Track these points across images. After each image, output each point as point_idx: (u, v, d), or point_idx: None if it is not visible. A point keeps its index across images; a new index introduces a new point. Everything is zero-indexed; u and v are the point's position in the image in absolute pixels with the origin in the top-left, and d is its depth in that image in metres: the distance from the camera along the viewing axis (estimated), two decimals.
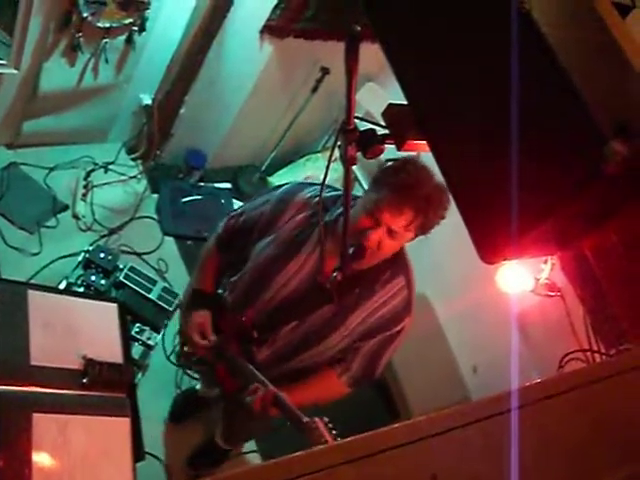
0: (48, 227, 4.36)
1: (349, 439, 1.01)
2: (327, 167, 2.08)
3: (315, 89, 5.03)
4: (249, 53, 4.62)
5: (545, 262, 3.53)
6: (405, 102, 1.38)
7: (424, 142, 1.37)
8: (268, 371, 2.65)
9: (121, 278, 4.04)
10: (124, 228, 4.62)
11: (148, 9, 4.00)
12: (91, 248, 4.10)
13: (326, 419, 2.36)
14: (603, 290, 3.12)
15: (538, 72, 1.11)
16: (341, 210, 2.35)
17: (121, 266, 4.11)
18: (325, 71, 4.89)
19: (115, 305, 3.09)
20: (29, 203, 4.36)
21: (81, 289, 3.89)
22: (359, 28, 1.48)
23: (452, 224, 1.80)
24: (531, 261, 3.48)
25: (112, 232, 4.55)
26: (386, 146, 1.77)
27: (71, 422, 2.48)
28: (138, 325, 3.92)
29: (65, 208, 4.51)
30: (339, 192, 2.53)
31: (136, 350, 3.82)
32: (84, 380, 2.65)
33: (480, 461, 1.07)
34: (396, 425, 1.06)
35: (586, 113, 1.05)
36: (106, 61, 4.21)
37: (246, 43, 4.56)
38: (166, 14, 4.23)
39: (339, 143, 1.82)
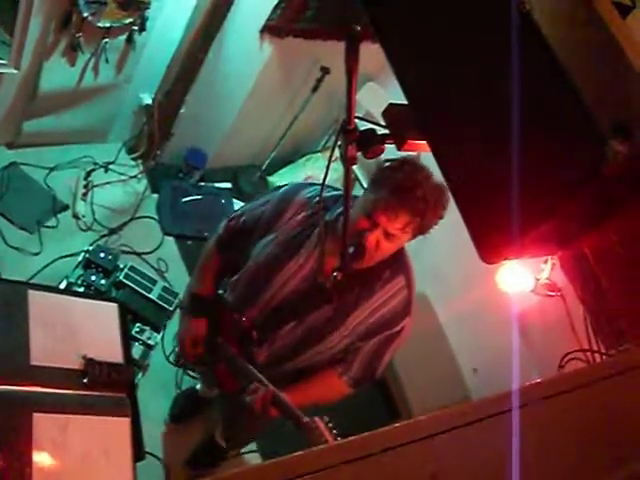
0: (48, 227, 4.36)
1: (349, 439, 1.01)
2: (327, 167, 2.08)
3: (315, 89, 5.03)
4: (249, 53, 4.62)
5: (545, 262, 3.53)
6: (405, 102, 1.38)
7: (424, 142, 1.37)
8: (268, 371, 2.66)
9: (121, 278, 4.04)
10: (124, 228, 4.62)
11: (148, 9, 4.00)
12: (91, 248, 4.10)
13: (326, 419, 2.36)
14: (603, 290, 3.12)
15: (538, 72, 1.11)
16: (341, 209, 2.35)
17: (121, 266, 4.12)
18: (325, 71, 4.89)
19: (115, 305, 3.10)
20: (29, 203, 4.36)
21: (81, 289, 3.90)
22: (359, 28, 1.48)
23: (452, 224, 1.80)
24: (531, 261, 3.48)
25: (112, 232, 4.55)
26: (386, 146, 1.77)
27: (71, 422, 2.48)
28: (138, 325, 3.92)
29: (65, 208, 4.51)
30: (339, 192, 2.53)
31: (136, 350, 3.82)
32: (84, 380, 2.66)
33: (480, 461, 1.07)
34: (397, 425, 1.06)
35: (586, 113, 1.05)
36: (106, 61, 4.22)
37: (246, 43, 4.56)
38: (166, 14, 4.24)
39: (339, 143, 1.82)
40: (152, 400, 3.73)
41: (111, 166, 4.87)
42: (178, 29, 4.48)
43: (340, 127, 1.78)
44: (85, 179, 4.62)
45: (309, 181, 4.16)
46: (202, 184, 5.31)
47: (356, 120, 1.76)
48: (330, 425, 2.34)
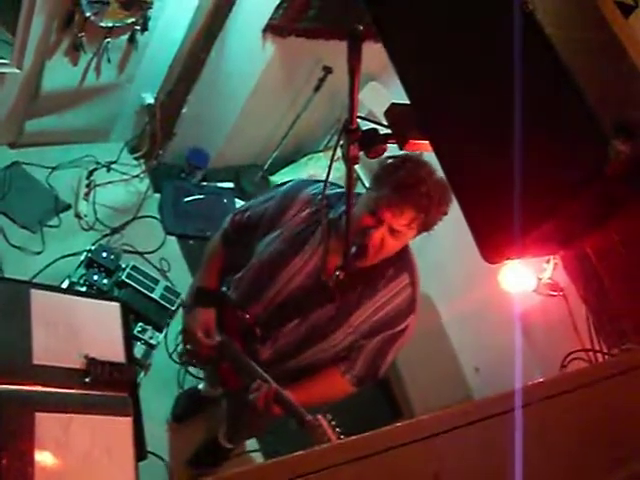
0: (50, 226, 4.36)
1: (352, 438, 1.01)
2: (329, 166, 2.08)
3: (317, 88, 5.03)
4: (251, 52, 4.63)
5: (547, 262, 3.53)
6: (408, 102, 1.38)
7: (426, 142, 1.37)
8: (272, 369, 2.66)
9: (123, 277, 4.04)
10: (126, 227, 4.63)
11: (151, 8, 4.00)
12: (93, 247, 4.10)
13: (329, 416, 2.36)
14: (605, 290, 3.12)
15: (541, 72, 1.11)
16: (345, 207, 2.35)
17: (123, 265, 4.12)
18: (328, 70, 4.89)
19: (117, 304, 3.09)
20: (31, 202, 4.37)
21: (83, 288, 3.90)
22: (362, 27, 1.48)
23: (454, 224, 1.80)
24: (533, 261, 3.48)
25: (114, 231, 4.55)
26: (388, 145, 1.77)
27: (73, 421, 2.48)
28: (140, 324, 3.92)
29: (67, 207, 4.52)
30: (343, 189, 2.53)
31: (138, 349, 3.82)
32: (86, 379, 2.65)
33: (482, 460, 1.07)
34: (399, 424, 1.06)
35: (588, 113, 1.05)
36: (108, 60, 4.22)
37: (248, 42, 4.56)
38: (169, 13, 4.24)
39: (341, 142, 1.82)
40: (154, 400, 3.73)
41: (113, 166, 4.87)
42: (180, 29, 4.48)
43: (342, 127, 1.78)
44: (87, 178, 4.62)
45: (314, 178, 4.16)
46: (204, 184, 5.31)
47: (358, 120, 1.76)
48: (333, 423, 2.34)
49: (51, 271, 4.08)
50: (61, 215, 4.45)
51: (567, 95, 1.07)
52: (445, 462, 1.04)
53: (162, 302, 4.07)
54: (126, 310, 3.12)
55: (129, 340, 3.03)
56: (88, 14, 3.76)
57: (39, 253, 4.17)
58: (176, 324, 4.07)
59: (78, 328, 2.81)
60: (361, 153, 1.81)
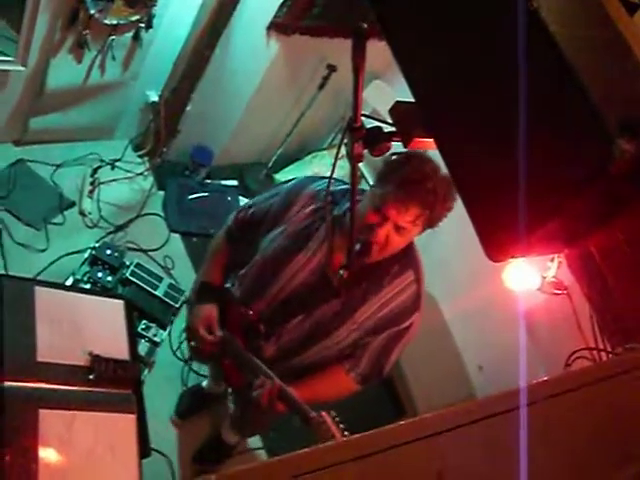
0: (55, 224, 4.36)
1: (356, 436, 1.01)
2: (334, 165, 2.08)
3: (322, 86, 5.03)
4: (256, 50, 4.62)
5: (552, 260, 3.53)
6: (412, 100, 1.38)
7: (431, 140, 1.37)
8: (276, 367, 2.65)
9: (127, 275, 4.05)
10: (130, 225, 4.63)
11: (155, 6, 4.00)
12: (97, 245, 4.11)
13: (333, 413, 2.36)
14: (609, 288, 3.12)
15: (545, 70, 1.11)
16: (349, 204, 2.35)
17: (127, 263, 4.12)
18: (332, 68, 4.88)
19: (121, 302, 3.10)
20: (36, 200, 4.37)
21: (87, 286, 3.90)
22: (366, 25, 1.48)
23: (457, 222, 1.80)
24: (538, 259, 3.47)
25: (118, 229, 4.55)
26: (392, 143, 1.77)
27: (77, 418, 2.49)
28: (144, 322, 3.93)
29: (72, 205, 4.52)
30: (348, 186, 2.52)
31: (142, 347, 3.83)
32: (90, 376, 2.66)
33: (486, 458, 1.07)
34: (403, 422, 1.06)
35: (593, 111, 1.05)
36: (113, 58, 4.22)
37: (253, 40, 4.56)
38: (173, 11, 4.24)
39: (346, 140, 1.82)
40: (158, 397, 3.73)
41: (117, 163, 4.87)
42: (185, 26, 4.48)
43: (346, 125, 1.78)
44: (91, 176, 4.62)
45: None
46: (208, 181, 5.31)
47: (363, 118, 1.76)
48: (337, 419, 2.34)
49: (55, 268, 4.08)
50: (65, 212, 4.45)
51: (571, 93, 1.06)
52: (448, 460, 1.04)
53: (166, 299, 4.08)
54: (130, 307, 3.12)
55: (133, 337, 3.03)
56: (92, 11, 3.76)
57: (43, 250, 4.18)
58: (180, 321, 4.07)
59: (82, 325, 2.81)
60: (365, 151, 1.81)
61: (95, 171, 4.65)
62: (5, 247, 4.05)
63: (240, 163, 5.62)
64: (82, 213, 4.52)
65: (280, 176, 5.49)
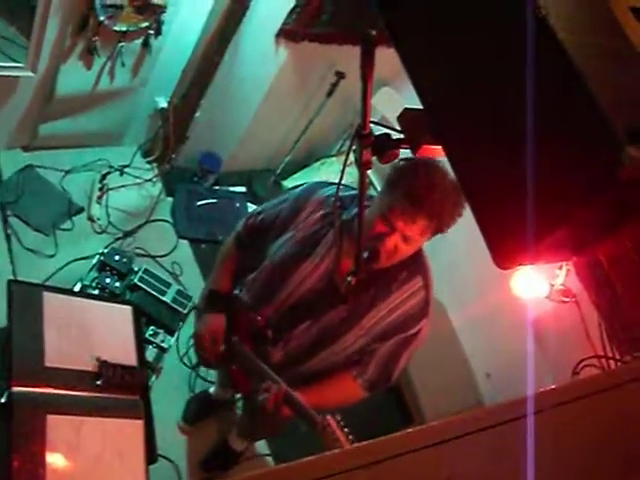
0: (63, 229, 4.37)
1: (364, 443, 1.01)
2: (342, 171, 2.08)
3: (330, 93, 5.03)
4: (265, 57, 4.63)
5: (560, 268, 3.52)
6: (420, 107, 1.38)
7: (439, 147, 1.37)
8: (284, 373, 2.65)
9: (135, 281, 4.05)
10: (139, 231, 4.64)
11: (164, 13, 4.01)
12: (106, 251, 4.11)
13: (338, 417, 2.36)
14: (618, 296, 3.11)
15: (553, 77, 1.11)
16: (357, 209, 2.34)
17: (136, 269, 4.13)
18: (340, 75, 4.89)
19: (129, 308, 3.11)
20: (45, 205, 4.38)
21: (96, 291, 3.91)
22: (375, 32, 1.48)
23: (465, 229, 1.80)
24: (546, 267, 3.47)
25: (127, 235, 4.56)
26: (401, 150, 1.77)
27: (85, 423, 2.49)
28: (152, 328, 3.93)
29: (80, 211, 4.53)
30: (356, 191, 2.52)
31: (150, 353, 3.83)
32: (98, 382, 2.67)
33: (494, 466, 1.07)
34: (411, 430, 1.06)
35: (601, 117, 1.05)
36: (122, 64, 4.24)
37: (262, 47, 4.57)
38: (182, 18, 4.25)
39: (354, 147, 1.82)
40: (165, 403, 3.73)
41: (126, 169, 4.88)
42: (194, 33, 4.50)
43: (355, 132, 1.78)
44: (100, 182, 4.63)
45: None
46: (217, 188, 5.32)
47: (371, 125, 1.76)
48: (342, 423, 2.34)
49: (64, 274, 4.09)
50: (74, 218, 4.46)
51: (580, 100, 1.06)
52: (457, 468, 1.03)
53: (174, 306, 4.08)
54: (138, 313, 3.13)
55: (141, 343, 3.04)
56: (102, 18, 3.78)
57: (52, 256, 4.18)
58: (188, 328, 4.07)
59: (90, 331, 2.82)
60: (374, 158, 1.81)
61: (104, 177, 4.67)
62: (14, 252, 4.06)
63: (248, 169, 5.62)
64: (91, 219, 4.53)
65: (288, 183, 5.49)
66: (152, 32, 4.11)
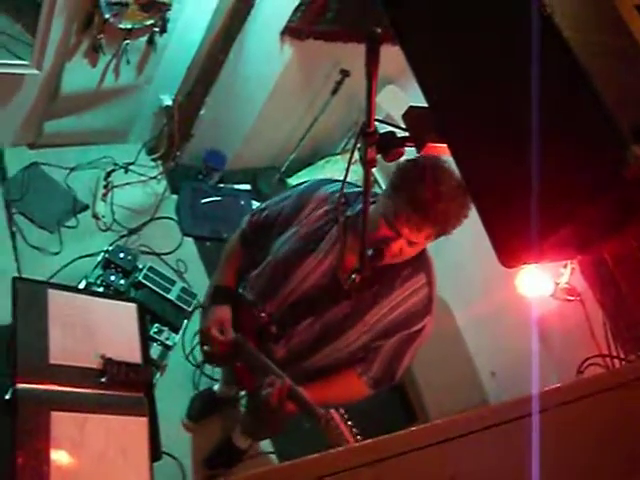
0: (68, 227, 4.38)
1: (369, 441, 1.01)
2: (347, 169, 2.08)
3: (335, 91, 5.03)
4: (269, 55, 4.63)
5: (565, 266, 3.52)
6: (425, 105, 1.38)
7: (444, 145, 1.36)
8: (287, 370, 2.65)
9: (140, 278, 4.05)
10: (144, 228, 4.65)
11: (169, 10, 4.02)
12: (111, 248, 4.12)
13: (342, 410, 2.37)
14: (623, 295, 3.10)
15: (558, 75, 1.11)
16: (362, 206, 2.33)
17: (140, 266, 4.13)
18: (345, 73, 4.88)
19: (134, 305, 3.11)
20: (50, 203, 4.39)
21: (100, 289, 3.91)
22: (380, 30, 1.48)
23: (471, 228, 1.79)
24: (550, 265, 3.46)
25: (132, 232, 4.57)
26: (406, 149, 1.77)
27: (89, 421, 2.50)
28: (157, 325, 3.93)
29: (85, 208, 4.54)
30: (361, 188, 2.51)
31: (154, 350, 3.83)
32: (103, 379, 2.67)
33: (499, 465, 1.07)
34: (415, 428, 1.06)
35: (606, 117, 1.05)
36: (127, 62, 4.24)
37: (266, 45, 4.57)
38: (187, 16, 4.26)
39: (359, 145, 1.81)
40: (169, 400, 3.73)
41: (131, 167, 4.89)
42: (199, 31, 4.50)
43: (360, 130, 1.77)
44: (105, 179, 4.64)
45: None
46: (221, 185, 5.33)
47: (376, 123, 1.76)
48: (346, 417, 2.35)
49: (68, 271, 4.10)
50: (79, 216, 4.47)
51: (585, 98, 1.06)
52: (461, 466, 1.03)
53: (178, 303, 4.08)
54: (142, 311, 3.14)
55: (145, 341, 3.05)
56: (107, 16, 3.78)
57: (57, 253, 4.19)
58: (192, 325, 4.08)
59: (95, 328, 2.82)
60: (378, 156, 1.81)
61: (109, 174, 4.67)
62: (19, 250, 4.07)
63: (253, 167, 5.63)
64: (95, 216, 4.53)
65: (293, 180, 5.49)
66: (157, 30, 4.11)
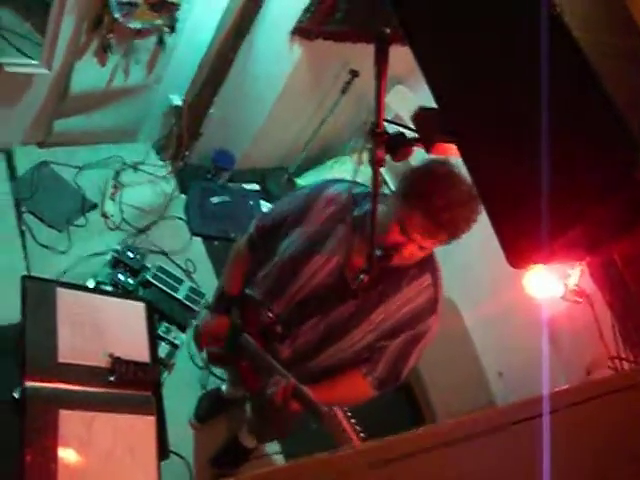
0: (77, 226, 4.39)
1: (375, 442, 1.00)
2: (356, 170, 2.08)
3: (344, 91, 5.03)
4: (279, 55, 4.64)
5: (573, 268, 3.51)
6: (434, 105, 1.37)
7: (453, 145, 1.36)
8: (292, 370, 2.65)
9: (149, 277, 4.07)
10: (152, 228, 4.65)
11: (179, 10, 4.02)
12: (119, 247, 4.13)
13: (345, 408, 2.37)
14: (632, 296, 3.09)
15: (568, 75, 1.11)
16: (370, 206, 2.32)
17: (149, 265, 4.14)
18: (354, 73, 4.89)
19: (142, 304, 3.11)
20: (59, 202, 4.40)
21: (109, 288, 3.92)
22: (389, 30, 1.48)
23: (480, 228, 1.79)
24: (559, 266, 3.45)
25: (140, 231, 4.57)
26: (414, 149, 1.77)
27: (97, 419, 2.50)
28: (165, 324, 3.94)
29: (94, 207, 4.55)
30: (369, 189, 2.50)
31: (162, 349, 3.84)
32: (111, 378, 2.67)
33: (506, 466, 1.07)
34: (423, 429, 1.05)
35: (617, 117, 1.04)
36: (137, 62, 4.25)
37: (276, 45, 4.57)
38: (197, 15, 4.26)
39: (368, 146, 1.81)
40: (177, 399, 3.74)
41: (140, 166, 4.90)
42: (208, 31, 4.50)
43: (369, 130, 1.77)
44: (114, 179, 4.65)
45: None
46: (230, 185, 5.33)
47: (385, 123, 1.76)
48: (349, 414, 2.35)
49: (77, 270, 4.10)
50: (88, 215, 4.48)
51: (595, 99, 1.06)
52: (468, 468, 1.03)
53: (187, 302, 4.10)
54: (151, 310, 3.14)
55: (154, 340, 3.05)
56: (117, 15, 3.79)
57: (65, 252, 4.20)
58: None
59: (103, 327, 2.83)
60: (387, 156, 1.81)
61: (118, 174, 4.69)
62: (28, 248, 4.08)
63: (262, 167, 5.63)
64: (104, 215, 4.54)
65: (302, 180, 5.49)
66: (167, 29, 4.12)
